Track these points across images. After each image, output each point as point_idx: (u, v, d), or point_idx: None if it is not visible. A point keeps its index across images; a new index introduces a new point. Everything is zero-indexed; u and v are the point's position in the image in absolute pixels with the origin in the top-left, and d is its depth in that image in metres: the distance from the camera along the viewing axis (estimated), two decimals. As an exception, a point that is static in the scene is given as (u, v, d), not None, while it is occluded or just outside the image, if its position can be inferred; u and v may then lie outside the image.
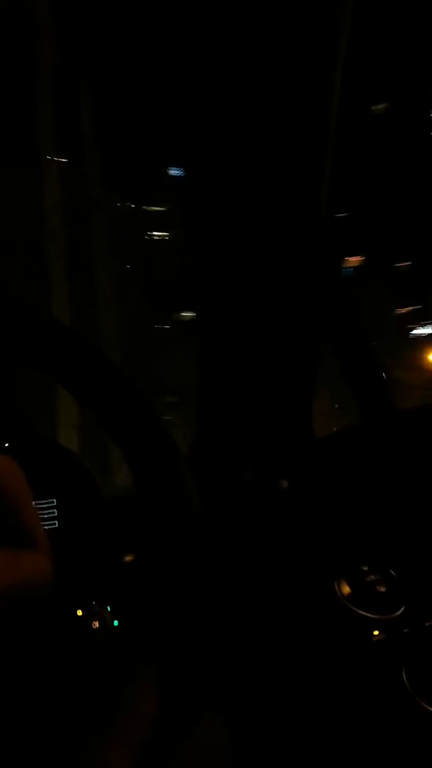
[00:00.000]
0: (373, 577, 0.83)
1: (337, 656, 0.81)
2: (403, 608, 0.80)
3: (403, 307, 3.55)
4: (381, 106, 3.53)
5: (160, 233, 3.90)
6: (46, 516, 0.85)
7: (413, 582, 0.83)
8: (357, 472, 0.96)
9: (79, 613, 0.79)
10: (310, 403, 1.15)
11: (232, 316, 1.05)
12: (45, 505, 0.85)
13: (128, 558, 0.83)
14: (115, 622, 0.80)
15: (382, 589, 0.82)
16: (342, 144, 1.01)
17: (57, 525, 0.84)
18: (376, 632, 0.80)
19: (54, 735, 0.62)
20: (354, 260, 3.37)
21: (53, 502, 0.86)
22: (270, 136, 0.92)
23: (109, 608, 0.81)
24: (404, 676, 0.75)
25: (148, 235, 3.90)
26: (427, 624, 0.78)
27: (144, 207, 4.03)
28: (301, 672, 0.84)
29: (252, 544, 0.95)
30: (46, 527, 0.82)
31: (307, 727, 0.81)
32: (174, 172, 3.92)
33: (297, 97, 0.90)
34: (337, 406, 2.11)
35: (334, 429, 1.13)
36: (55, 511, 0.85)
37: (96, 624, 0.79)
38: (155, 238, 3.89)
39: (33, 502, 0.53)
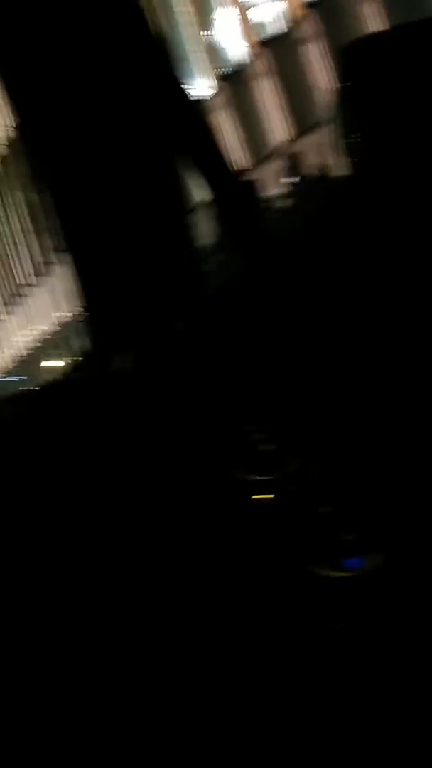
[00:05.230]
0: (258, 436, 0.75)
1: (224, 520, 0.75)
2: (286, 468, 0.73)
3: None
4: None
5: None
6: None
7: (300, 438, 0.76)
8: (243, 325, 0.87)
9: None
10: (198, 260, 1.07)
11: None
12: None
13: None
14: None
15: (268, 448, 0.75)
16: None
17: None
18: (263, 495, 0.73)
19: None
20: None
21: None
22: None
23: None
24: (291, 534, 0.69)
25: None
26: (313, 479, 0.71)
27: None
28: (197, 538, 0.78)
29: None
30: None
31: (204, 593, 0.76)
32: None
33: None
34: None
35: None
36: None
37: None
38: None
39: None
